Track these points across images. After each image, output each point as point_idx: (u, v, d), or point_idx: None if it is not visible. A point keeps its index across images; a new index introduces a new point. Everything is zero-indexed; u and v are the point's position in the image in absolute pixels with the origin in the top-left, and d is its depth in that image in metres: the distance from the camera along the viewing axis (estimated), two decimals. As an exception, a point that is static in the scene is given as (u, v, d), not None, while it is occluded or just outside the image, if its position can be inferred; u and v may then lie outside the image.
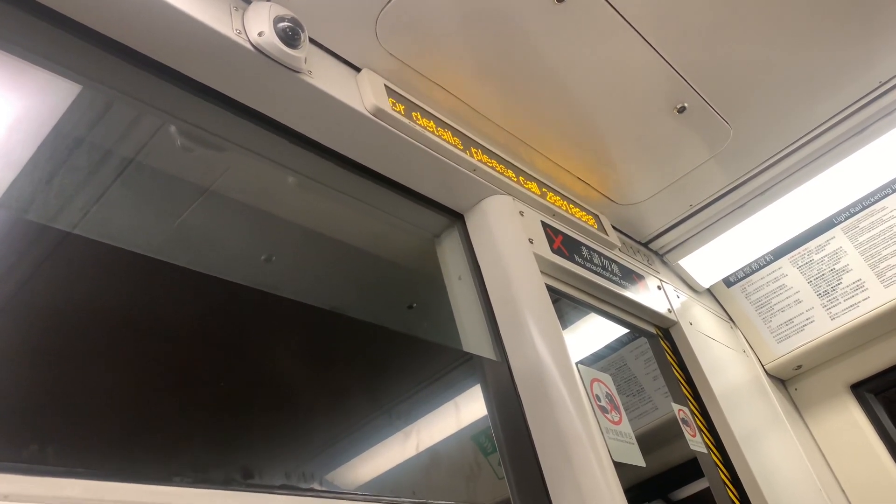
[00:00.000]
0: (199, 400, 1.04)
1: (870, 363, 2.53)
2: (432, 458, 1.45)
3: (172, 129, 1.43)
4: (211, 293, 1.21)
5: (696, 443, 1.94)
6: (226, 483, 0.92)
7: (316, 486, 1.09)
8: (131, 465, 0.86)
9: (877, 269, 2.43)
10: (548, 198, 1.98)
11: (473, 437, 1.65)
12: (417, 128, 1.61)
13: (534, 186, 1.95)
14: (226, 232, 1.71)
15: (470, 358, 1.61)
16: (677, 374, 2.14)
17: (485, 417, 1.53)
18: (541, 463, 1.42)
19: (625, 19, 1.67)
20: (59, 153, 1.29)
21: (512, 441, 1.45)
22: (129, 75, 1.27)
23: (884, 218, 2.46)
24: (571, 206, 2.10)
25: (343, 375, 1.40)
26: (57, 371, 0.88)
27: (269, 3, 1.38)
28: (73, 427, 0.83)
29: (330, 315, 1.43)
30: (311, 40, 1.51)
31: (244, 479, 0.94)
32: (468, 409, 1.67)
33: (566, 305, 1.97)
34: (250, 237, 1.76)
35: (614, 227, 2.32)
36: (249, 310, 1.27)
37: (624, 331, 2.27)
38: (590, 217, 2.15)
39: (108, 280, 1.07)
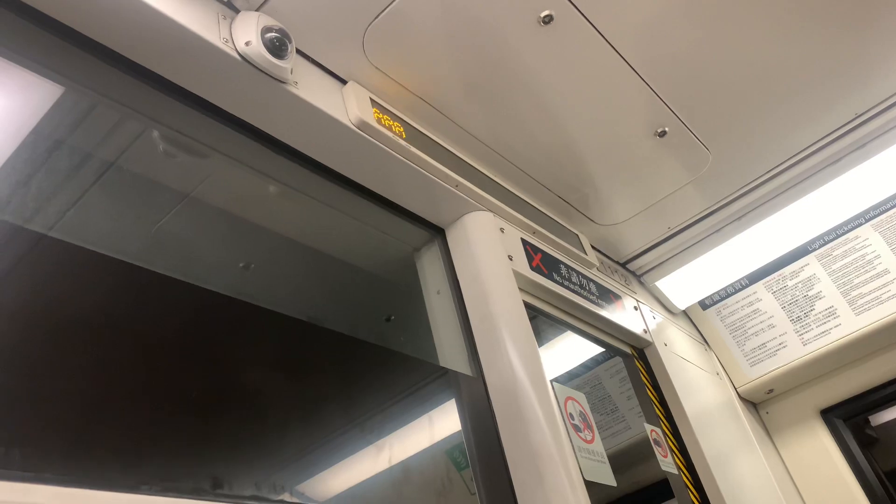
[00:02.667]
0: (169, 408, 1.03)
1: (839, 389, 2.57)
2: (404, 473, 1.45)
3: (155, 134, 1.42)
4: (184, 300, 1.20)
5: (668, 463, 1.96)
6: (194, 492, 0.91)
7: (286, 497, 1.09)
8: (99, 471, 0.85)
9: (848, 297, 2.48)
10: (528, 215, 2.00)
11: (447, 451, 1.65)
12: (401, 142, 1.62)
13: (515, 204, 1.97)
14: (205, 238, 1.71)
15: (445, 373, 1.62)
16: (651, 394, 2.16)
17: (458, 433, 1.53)
18: (512, 480, 1.42)
19: (609, 43, 1.70)
20: (38, 155, 1.28)
21: (484, 457, 1.46)
22: (113, 79, 1.27)
23: (856, 247, 2.51)
24: (551, 224, 2.11)
25: (317, 387, 1.40)
26: (26, 375, 0.87)
27: (257, 14, 1.38)
28: (40, 432, 0.83)
29: (304, 325, 1.42)
30: (299, 51, 1.51)
31: (213, 489, 0.94)
32: (442, 423, 1.67)
33: (543, 323, 1.98)
34: (229, 244, 1.76)
35: (593, 247, 2.34)
36: (223, 318, 1.26)
37: (599, 349, 2.29)
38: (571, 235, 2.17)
39: (82, 284, 1.06)
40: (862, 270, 2.48)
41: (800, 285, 2.59)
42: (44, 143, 1.29)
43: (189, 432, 1.05)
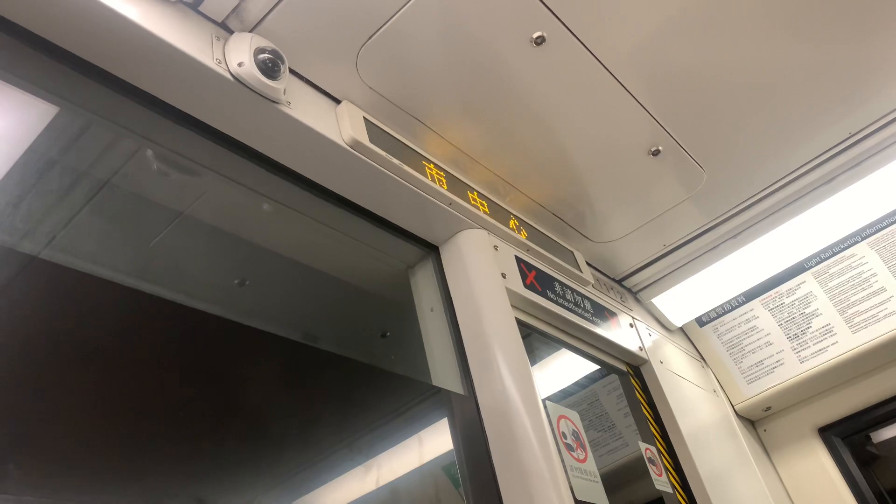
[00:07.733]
0: (156, 429, 1.03)
1: (837, 407, 2.56)
2: (395, 492, 1.45)
3: (149, 153, 1.43)
4: (176, 322, 1.21)
5: (662, 482, 1.95)
6: (179, 514, 0.92)
7: (272, 518, 1.08)
8: (83, 493, 0.85)
9: (845, 315, 2.47)
10: (522, 234, 2.00)
11: (444, 467, 1.64)
12: (395, 161, 1.62)
13: (509, 222, 1.97)
14: (199, 256, 1.71)
15: (438, 391, 1.62)
16: (646, 412, 2.15)
17: (450, 452, 1.52)
18: (503, 500, 1.42)
19: (601, 64, 1.71)
20: (31, 175, 1.29)
21: (476, 477, 1.45)
22: (107, 99, 1.28)
23: (853, 265, 2.51)
24: (546, 242, 2.12)
25: (309, 407, 1.40)
26: (13, 396, 0.88)
27: (250, 35, 1.40)
28: (21, 454, 0.83)
29: (297, 346, 1.42)
30: (292, 71, 1.53)
31: (198, 511, 0.94)
32: (436, 442, 1.67)
33: (537, 340, 1.98)
34: (224, 262, 1.76)
35: (588, 264, 2.34)
36: (212, 339, 1.26)
37: (595, 367, 2.28)
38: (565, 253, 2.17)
39: (73, 303, 1.07)
40: (858, 288, 2.48)
41: (796, 303, 2.59)
42: (38, 162, 1.30)
43: (175, 453, 1.05)
